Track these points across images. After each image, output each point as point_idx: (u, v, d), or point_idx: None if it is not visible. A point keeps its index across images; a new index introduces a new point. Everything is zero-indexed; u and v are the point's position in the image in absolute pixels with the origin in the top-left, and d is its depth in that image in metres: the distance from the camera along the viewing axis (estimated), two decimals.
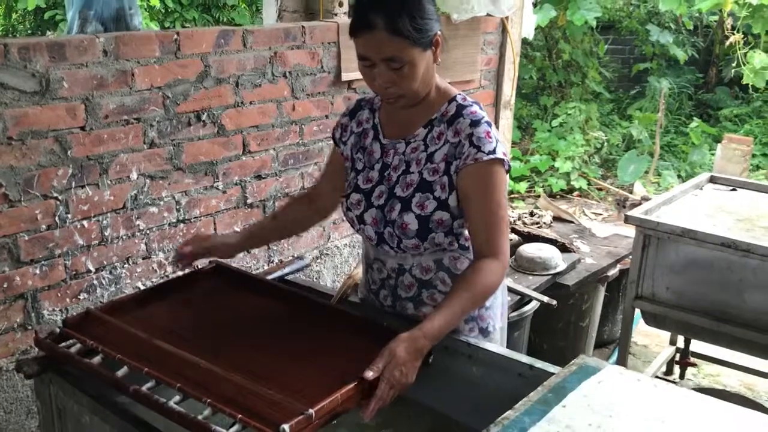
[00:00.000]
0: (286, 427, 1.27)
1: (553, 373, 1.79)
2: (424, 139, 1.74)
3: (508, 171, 1.71)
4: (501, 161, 1.67)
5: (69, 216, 2.22)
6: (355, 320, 1.77)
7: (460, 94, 1.77)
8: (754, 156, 7.11)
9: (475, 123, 1.68)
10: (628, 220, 2.82)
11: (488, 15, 3.49)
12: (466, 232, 1.78)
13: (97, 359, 1.57)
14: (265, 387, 1.42)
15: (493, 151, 1.65)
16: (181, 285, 1.91)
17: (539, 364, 1.85)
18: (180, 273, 1.93)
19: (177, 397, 1.43)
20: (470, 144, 1.66)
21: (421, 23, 1.60)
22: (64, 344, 1.64)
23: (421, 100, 1.73)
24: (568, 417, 1.41)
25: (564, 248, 3.26)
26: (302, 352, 1.64)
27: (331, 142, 1.92)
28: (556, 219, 3.77)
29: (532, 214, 3.67)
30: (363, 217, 1.79)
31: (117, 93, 2.27)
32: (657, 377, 3.51)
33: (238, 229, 2.68)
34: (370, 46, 1.61)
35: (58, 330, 1.67)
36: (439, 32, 1.65)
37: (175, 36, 2.39)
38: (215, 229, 2.64)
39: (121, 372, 1.52)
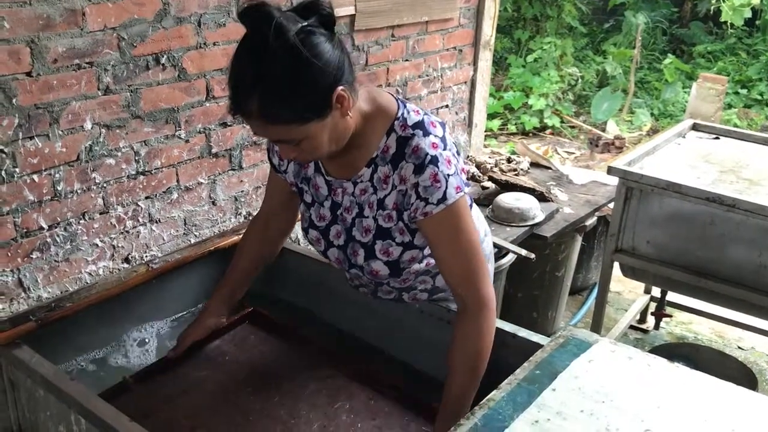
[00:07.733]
0: None
1: (535, 343, 1.73)
2: (370, 180, 1.57)
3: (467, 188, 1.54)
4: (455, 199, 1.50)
5: (17, 170, 2.04)
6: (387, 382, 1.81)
7: (398, 119, 1.51)
8: (726, 94, 7.06)
9: (419, 169, 1.47)
10: (611, 171, 2.73)
11: None
12: None
13: None
14: None
15: (443, 198, 1.47)
16: (219, 335, 1.97)
17: (522, 332, 1.81)
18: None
19: None
20: (417, 196, 1.49)
21: (304, 97, 1.35)
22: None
23: (351, 140, 1.51)
24: (558, 402, 1.33)
25: (542, 197, 3.17)
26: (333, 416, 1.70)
27: None
28: (533, 165, 3.66)
29: (509, 161, 3.56)
30: (326, 254, 1.72)
31: (66, 34, 2.06)
32: (631, 327, 3.51)
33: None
34: (254, 130, 1.43)
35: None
36: (341, 87, 1.37)
37: None
38: (178, 182, 2.47)
39: None
